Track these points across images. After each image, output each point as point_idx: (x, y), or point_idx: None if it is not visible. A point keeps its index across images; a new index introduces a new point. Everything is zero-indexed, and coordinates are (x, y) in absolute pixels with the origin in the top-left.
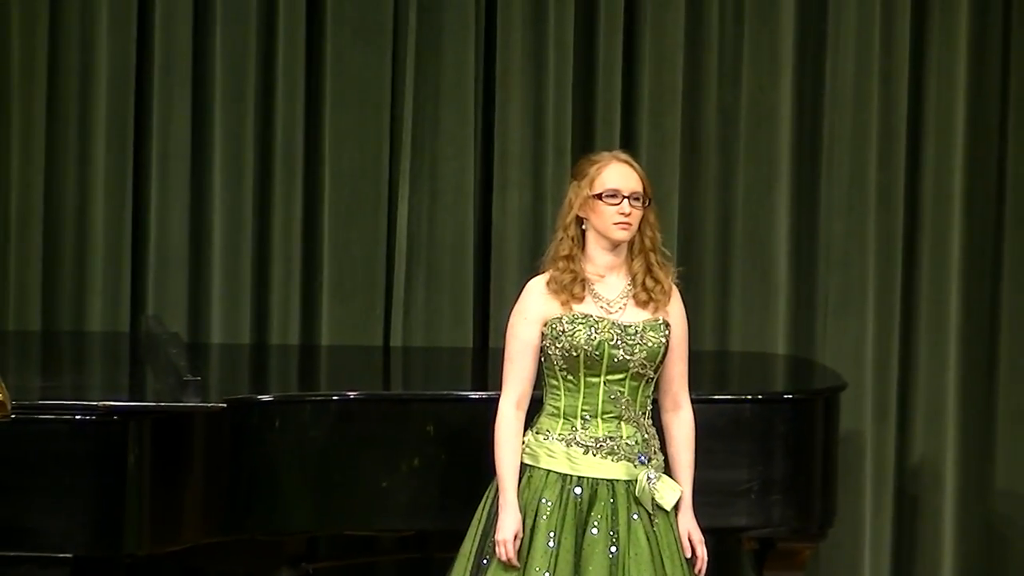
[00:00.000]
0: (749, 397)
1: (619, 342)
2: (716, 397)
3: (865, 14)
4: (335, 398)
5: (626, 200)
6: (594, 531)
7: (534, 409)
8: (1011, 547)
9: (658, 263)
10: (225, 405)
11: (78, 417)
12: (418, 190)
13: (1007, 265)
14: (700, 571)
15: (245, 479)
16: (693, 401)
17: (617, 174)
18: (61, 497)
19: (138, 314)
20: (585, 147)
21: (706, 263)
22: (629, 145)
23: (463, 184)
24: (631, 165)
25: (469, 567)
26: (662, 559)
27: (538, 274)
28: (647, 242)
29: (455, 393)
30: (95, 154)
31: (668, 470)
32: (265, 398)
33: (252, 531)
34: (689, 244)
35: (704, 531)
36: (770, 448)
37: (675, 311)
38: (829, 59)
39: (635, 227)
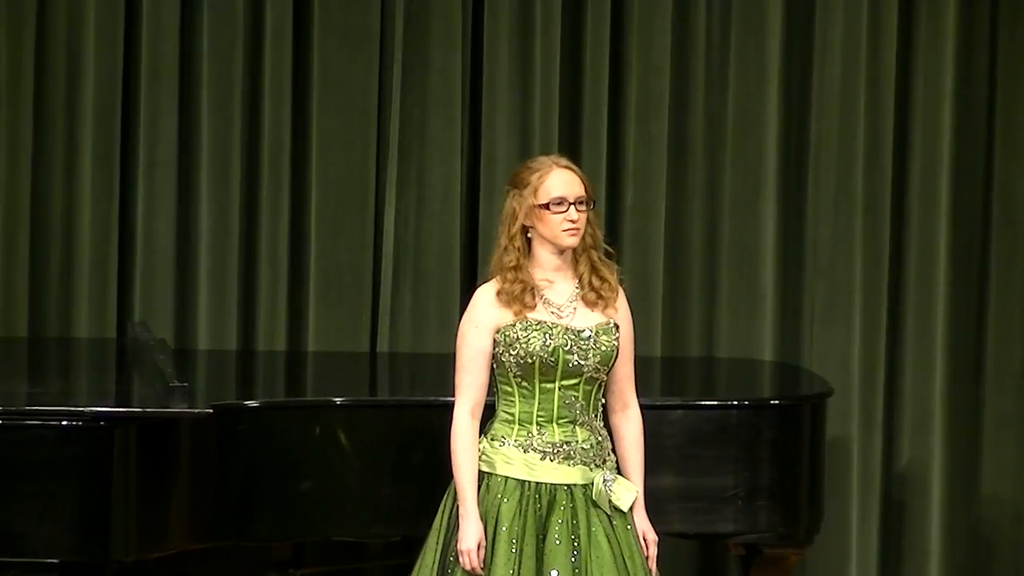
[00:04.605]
0: (736, 403)
1: (573, 347)
2: (703, 403)
3: (852, 20)
4: (321, 404)
5: (572, 207)
6: (555, 537)
7: (485, 416)
8: (997, 553)
9: (600, 259)
10: (211, 411)
11: (65, 423)
12: (405, 196)
13: (994, 271)
14: (651, 570)
15: (231, 485)
16: (680, 407)
17: (561, 181)
18: (48, 503)
19: (125, 320)
20: (572, 152)
21: (693, 269)
22: (616, 151)
23: (450, 190)
24: (572, 170)
25: None
26: (624, 559)
27: (486, 281)
28: (588, 239)
29: (442, 399)
30: (82, 160)
31: (619, 471)
32: (252, 404)
33: (239, 537)
34: (676, 250)
35: (690, 536)
36: (757, 454)
37: (622, 310)
38: (816, 65)
39: (583, 231)
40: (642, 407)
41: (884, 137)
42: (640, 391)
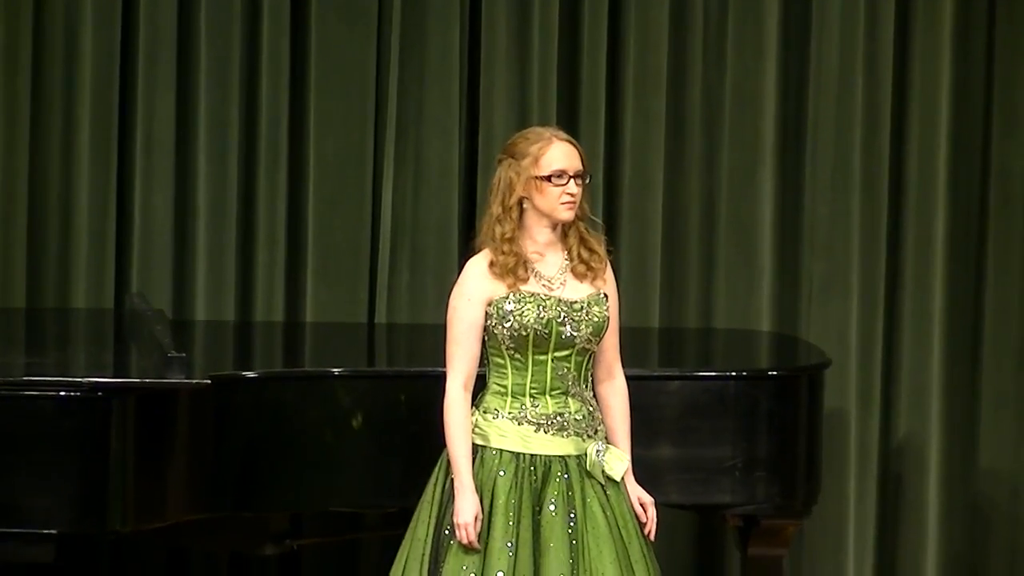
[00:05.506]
0: (733, 374)
1: (566, 319)
2: (700, 374)
3: None
4: (319, 375)
5: (572, 180)
6: (552, 509)
7: (474, 388)
8: (994, 527)
9: (588, 231)
10: (210, 382)
11: (62, 394)
12: (403, 173)
13: (991, 248)
14: (650, 532)
15: (229, 456)
16: (677, 378)
17: (562, 154)
18: (45, 474)
19: (123, 292)
20: (570, 128)
21: (690, 246)
22: (613, 127)
23: (448, 167)
24: (572, 143)
25: (427, 551)
26: (619, 529)
27: (475, 252)
28: (577, 211)
29: (440, 369)
30: (80, 136)
31: (607, 440)
32: (250, 375)
33: (236, 508)
34: (673, 227)
35: (687, 507)
36: (754, 425)
37: (610, 280)
38: (814, 42)
39: (578, 204)
40: (640, 378)
41: (882, 114)
42: (638, 362)
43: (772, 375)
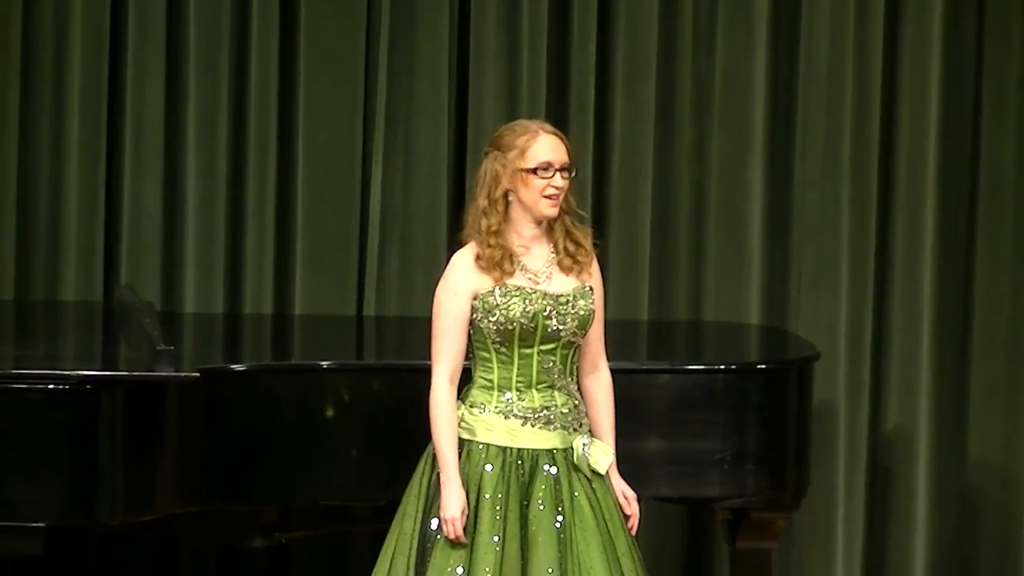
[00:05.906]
0: (722, 367)
1: (552, 312)
2: (690, 367)
3: None
4: (308, 368)
5: (558, 173)
6: (540, 503)
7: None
8: (983, 519)
9: (574, 225)
10: (198, 375)
11: (51, 386)
12: (392, 162)
13: (981, 236)
14: (633, 527)
15: (219, 449)
16: (667, 371)
17: (549, 146)
18: (34, 467)
19: (112, 284)
20: (559, 118)
21: (680, 234)
22: (603, 116)
23: (437, 156)
24: (559, 136)
25: (414, 544)
26: (606, 523)
27: (461, 245)
28: (563, 205)
29: (429, 363)
30: (69, 124)
31: (591, 432)
32: (239, 368)
33: (225, 501)
34: (663, 215)
35: (676, 501)
36: (743, 418)
37: (595, 274)
38: (804, 30)
39: (563, 199)
40: (629, 371)
41: (871, 102)
42: (627, 355)
43: (761, 368)
